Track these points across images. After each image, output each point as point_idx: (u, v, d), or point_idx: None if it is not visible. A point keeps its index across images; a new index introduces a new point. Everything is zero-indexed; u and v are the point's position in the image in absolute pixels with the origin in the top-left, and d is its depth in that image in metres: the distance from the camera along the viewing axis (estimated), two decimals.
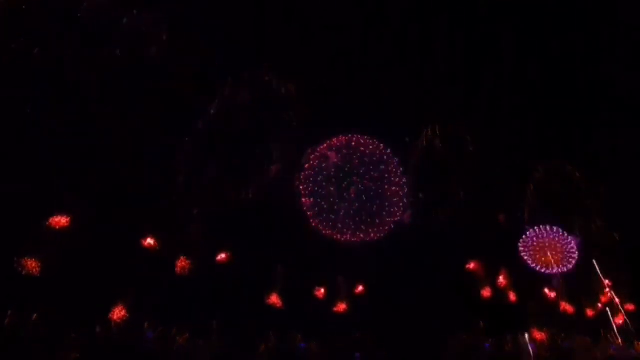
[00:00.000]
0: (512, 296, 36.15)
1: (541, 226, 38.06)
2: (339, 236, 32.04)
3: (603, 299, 38.11)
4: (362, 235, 32.15)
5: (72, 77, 25.50)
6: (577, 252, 37.09)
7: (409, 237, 33.51)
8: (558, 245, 37.30)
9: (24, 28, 24.10)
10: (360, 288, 33.93)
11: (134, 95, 27.27)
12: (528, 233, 38.36)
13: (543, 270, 37.16)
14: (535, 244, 37.74)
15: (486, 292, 35.68)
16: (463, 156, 35.17)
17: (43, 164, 24.53)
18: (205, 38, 29.20)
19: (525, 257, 37.66)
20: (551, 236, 37.61)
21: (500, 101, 35.44)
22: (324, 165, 31.87)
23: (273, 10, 31.19)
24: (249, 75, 31.14)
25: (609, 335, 34.27)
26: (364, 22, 33.20)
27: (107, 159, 26.81)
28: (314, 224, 32.18)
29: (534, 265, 37.20)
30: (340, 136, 32.44)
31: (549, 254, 36.75)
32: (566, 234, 37.59)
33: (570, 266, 37.13)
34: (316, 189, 31.91)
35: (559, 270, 36.81)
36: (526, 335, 30.54)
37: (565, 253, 37.21)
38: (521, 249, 37.91)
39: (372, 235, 32.28)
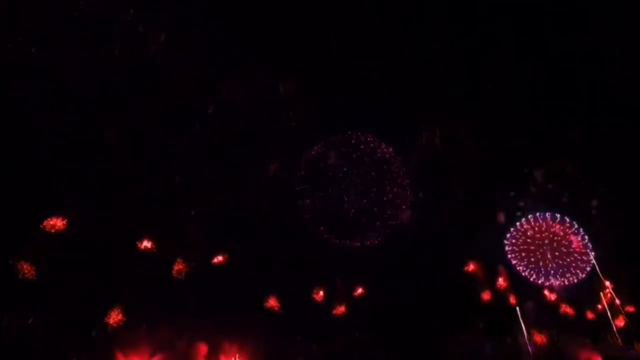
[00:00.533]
0: (512, 298, 35.30)
1: (538, 214, 29.33)
2: (337, 240, 31.66)
3: (604, 300, 36.50)
4: (361, 240, 31.83)
5: (71, 77, 25.52)
6: (591, 256, 28.43)
7: (409, 237, 33.40)
8: (563, 242, 28.88)
9: (23, 28, 24.10)
10: (360, 290, 33.78)
11: (133, 95, 27.30)
12: (519, 225, 29.53)
13: (540, 282, 29.21)
14: (529, 241, 29.09)
15: (486, 295, 33.86)
16: (463, 156, 35.09)
17: (43, 163, 24.51)
18: (205, 38, 29.26)
19: (515, 262, 29.29)
20: (552, 230, 29.02)
21: (500, 101, 35.40)
22: (321, 165, 31.70)
23: (273, 10, 31.19)
24: (249, 75, 31.16)
25: (609, 337, 33.95)
26: (364, 22, 33.21)
27: (107, 159, 26.82)
28: (311, 227, 31.97)
29: (525, 272, 29.20)
30: (339, 134, 32.31)
31: (549, 256, 29.45)
32: (575, 225, 28.60)
33: (583, 275, 28.55)
34: (314, 190, 31.69)
35: (565, 281, 29.05)
36: (525, 336, 30.29)
37: (576, 256, 28.82)
38: (508, 248, 30.07)
39: (373, 239, 31.94)
